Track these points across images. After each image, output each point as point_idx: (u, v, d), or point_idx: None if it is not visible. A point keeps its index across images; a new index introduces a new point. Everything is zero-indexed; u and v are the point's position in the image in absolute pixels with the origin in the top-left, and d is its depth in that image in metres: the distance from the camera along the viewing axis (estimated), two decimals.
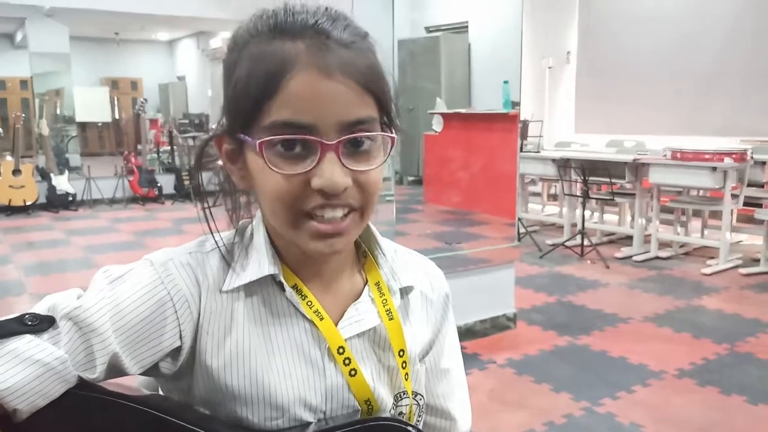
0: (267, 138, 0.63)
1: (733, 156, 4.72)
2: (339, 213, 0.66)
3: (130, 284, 0.66)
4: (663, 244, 5.41)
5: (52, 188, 8.21)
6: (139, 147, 9.15)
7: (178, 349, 0.67)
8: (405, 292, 0.79)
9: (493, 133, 5.77)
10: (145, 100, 9.19)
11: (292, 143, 0.63)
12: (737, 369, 3.13)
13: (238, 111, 0.65)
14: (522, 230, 5.77)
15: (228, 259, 0.71)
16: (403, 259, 0.81)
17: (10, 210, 7.87)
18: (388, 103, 0.68)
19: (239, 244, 0.73)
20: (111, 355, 0.63)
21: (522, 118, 6.32)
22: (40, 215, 7.98)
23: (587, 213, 5.69)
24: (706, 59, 6.60)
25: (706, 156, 4.76)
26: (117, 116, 11.57)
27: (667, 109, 6.81)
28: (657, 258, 5.21)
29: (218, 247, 0.73)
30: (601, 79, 7.55)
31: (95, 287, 0.65)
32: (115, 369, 0.64)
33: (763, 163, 5.04)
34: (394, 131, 0.69)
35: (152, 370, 0.68)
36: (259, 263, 0.70)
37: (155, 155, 9.69)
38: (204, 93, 11.92)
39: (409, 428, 0.70)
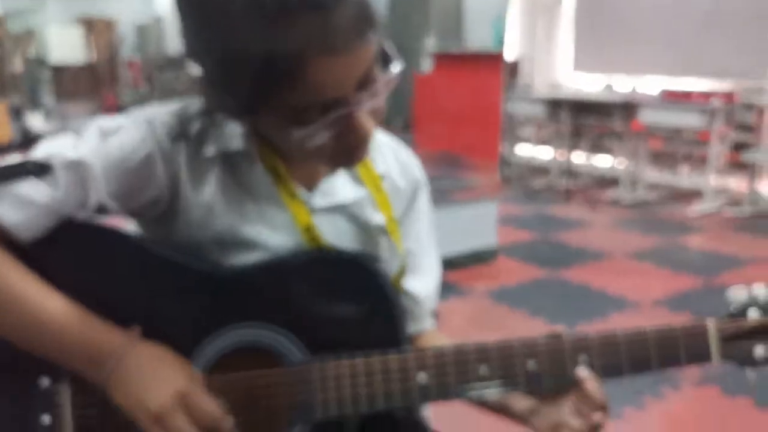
0: (297, 121, 0.63)
1: (722, 97, 4.69)
2: None
3: (120, 140, 0.71)
4: (651, 187, 5.40)
5: (26, 128, 7.94)
6: (117, 88, 8.95)
7: (158, 199, 0.73)
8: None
9: (481, 73, 5.67)
10: (122, 38, 8.95)
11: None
12: (709, 299, 3.16)
13: (239, 93, 0.63)
14: (510, 172, 5.72)
15: (209, 123, 0.74)
16: (377, 144, 0.81)
17: None
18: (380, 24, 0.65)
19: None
20: (100, 200, 0.70)
21: (513, 59, 6.20)
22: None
23: (576, 156, 5.66)
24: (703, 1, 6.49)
25: (695, 96, 4.75)
26: (93, 57, 11.23)
27: (664, 50, 6.71)
28: (644, 200, 5.20)
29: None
30: (598, 18, 7.41)
31: (89, 140, 0.71)
32: (102, 210, 0.72)
33: (753, 106, 4.97)
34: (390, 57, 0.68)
35: (134, 213, 0.76)
36: (236, 136, 0.74)
37: (134, 96, 9.47)
38: None
39: (368, 263, 0.74)
